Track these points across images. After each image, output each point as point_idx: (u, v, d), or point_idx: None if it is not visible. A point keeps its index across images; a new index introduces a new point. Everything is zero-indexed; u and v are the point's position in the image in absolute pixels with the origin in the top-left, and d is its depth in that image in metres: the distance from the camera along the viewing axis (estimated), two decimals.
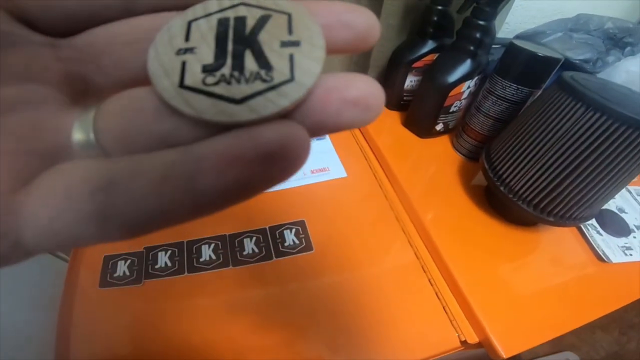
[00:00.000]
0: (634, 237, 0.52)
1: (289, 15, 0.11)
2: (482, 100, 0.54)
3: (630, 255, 0.49)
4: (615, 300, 0.44)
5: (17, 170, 0.10)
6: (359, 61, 0.69)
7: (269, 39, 0.11)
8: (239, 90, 0.10)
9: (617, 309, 0.43)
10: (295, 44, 0.11)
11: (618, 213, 0.55)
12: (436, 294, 0.43)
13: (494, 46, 0.59)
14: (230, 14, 0.11)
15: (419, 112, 0.61)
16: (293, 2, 0.12)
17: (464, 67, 0.53)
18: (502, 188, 0.45)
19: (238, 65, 0.11)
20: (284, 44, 0.11)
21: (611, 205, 0.56)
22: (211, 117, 0.10)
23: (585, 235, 0.51)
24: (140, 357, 0.35)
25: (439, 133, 0.63)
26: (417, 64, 0.60)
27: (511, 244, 0.49)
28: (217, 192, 0.09)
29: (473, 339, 0.40)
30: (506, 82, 0.49)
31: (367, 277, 0.44)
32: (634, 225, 0.54)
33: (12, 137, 0.10)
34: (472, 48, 0.52)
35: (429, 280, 0.44)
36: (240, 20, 0.11)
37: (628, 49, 0.64)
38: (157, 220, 0.09)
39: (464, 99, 0.58)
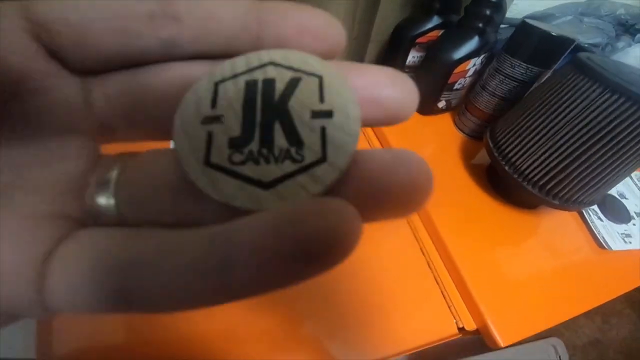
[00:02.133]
0: (634, 225, 0.51)
1: (320, 78, 0.10)
2: (488, 78, 0.52)
3: (630, 243, 0.49)
4: (613, 288, 0.44)
5: (48, 235, 0.10)
6: (359, 36, 0.65)
7: (299, 108, 0.10)
8: (268, 171, 0.09)
9: (614, 297, 0.43)
10: (328, 114, 0.10)
11: (619, 198, 0.54)
12: (435, 278, 0.42)
13: (502, 26, 0.58)
14: (259, 76, 0.10)
15: (422, 89, 0.56)
16: (323, 61, 0.11)
17: (471, 44, 0.51)
18: (507, 168, 0.44)
19: (267, 140, 0.10)
20: (315, 115, 0.10)
21: (612, 190, 0.55)
22: (239, 204, 0.09)
23: (587, 221, 0.50)
24: (128, 344, 0.33)
25: (441, 110, 0.61)
26: (420, 40, 0.58)
27: (511, 226, 0.48)
28: (252, 285, 0.08)
29: (471, 325, 0.39)
30: (515, 61, 0.47)
31: (362, 260, 0.42)
32: (634, 212, 0.53)
33: (45, 197, 0.10)
34: (480, 25, 0.50)
35: (428, 264, 0.43)
36: (269, 84, 0.10)
37: (639, 35, 0.63)
38: (182, 305, 0.08)
39: (469, 76, 0.56)
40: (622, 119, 0.34)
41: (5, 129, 0.10)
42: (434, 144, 0.58)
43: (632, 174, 0.60)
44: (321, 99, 0.10)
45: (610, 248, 0.47)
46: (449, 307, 0.40)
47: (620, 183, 0.56)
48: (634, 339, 1.31)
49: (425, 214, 0.46)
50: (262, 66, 0.11)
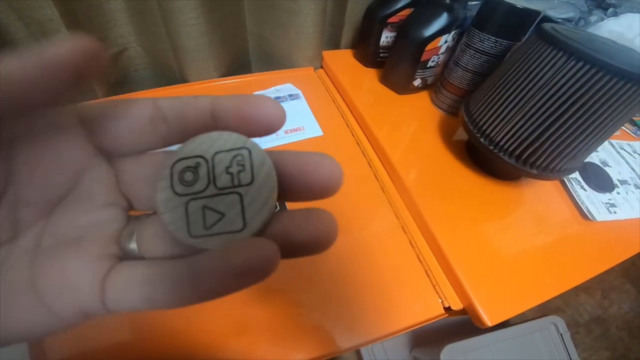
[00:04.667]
0: (618, 193, 0.51)
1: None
2: (460, 54, 0.52)
3: (615, 213, 0.48)
4: (601, 262, 0.43)
5: (104, 266, 0.15)
6: (333, 20, 0.65)
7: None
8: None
9: (602, 272, 0.42)
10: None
11: (602, 166, 0.53)
12: (417, 256, 0.41)
13: (472, 2, 0.58)
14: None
15: (396, 68, 0.59)
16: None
17: (440, 20, 0.51)
18: (482, 140, 0.43)
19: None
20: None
21: (594, 158, 0.55)
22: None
23: (569, 191, 0.49)
24: (121, 348, 0.32)
25: (418, 89, 0.61)
26: (392, 19, 0.58)
27: (494, 200, 0.47)
28: (212, 291, 0.13)
29: (457, 304, 0.38)
30: (484, 35, 0.47)
31: (344, 240, 0.41)
32: (617, 179, 0.53)
33: (101, 245, 0.16)
34: (448, 1, 0.51)
35: (410, 242, 0.42)
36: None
37: (611, 10, 0.64)
38: (180, 304, 0.14)
39: (442, 53, 0.56)
40: (589, 86, 0.34)
41: (77, 204, 0.16)
42: (413, 123, 0.57)
43: (614, 142, 0.59)
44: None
45: (595, 219, 0.46)
46: (433, 287, 0.39)
47: (603, 151, 0.56)
48: (636, 314, 1.31)
49: (406, 191, 0.46)
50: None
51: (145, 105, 0.16)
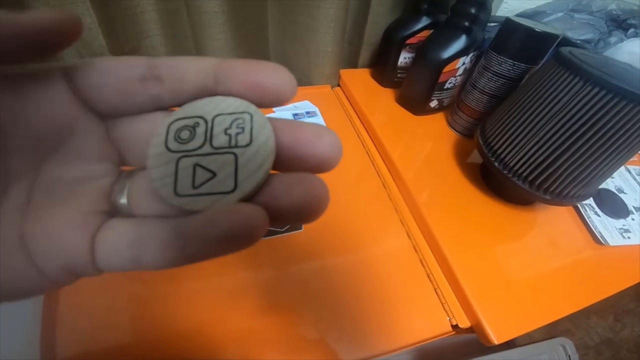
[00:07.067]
0: (633, 219, 0.51)
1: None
2: (477, 76, 0.52)
3: (629, 238, 0.48)
4: (612, 285, 0.43)
5: (94, 223, 0.15)
6: (352, 40, 0.67)
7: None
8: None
9: (613, 294, 0.42)
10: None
11: (617, 193, 0.53)
12: (428, 275, 0.42)
13: (491, 24, 0.58)
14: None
15: (413, 89, 0.60)
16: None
17: (459, 43, 0.52)
18: (496, 164, 0.44)
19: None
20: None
21: (610, 184, 0.55)
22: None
23: (583, 216, 0.49)
24: (131, 348, 0.33)
25: (434, 110, 0.62)
26: (411, 41, 0.59)
27: (507, 224, 0.47)
28: (198, 255, 0.13)
29: (465, 323, 0.38)
30: (502, 58, 0.48)
31: (356, 258, 0.42)
32: (633, 206, 0.52)
33: (91, 201, 0.15)
34: (467, 24, 0.51)
35: (421, 261, 0.43)
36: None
37: (631, 30, 0.63)
38: (165, 265, 0.14)
39: (459, 75, 0.56)
40: (604, 112, 0.34)
41: (67, 159, 0.15)
42: (428, 144, 0.58)
43: (631, 168, 0.59)
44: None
45: (608, 243, 0.46)
46: (442, 305, 0.40)
47: (619, 177, 0.56)
48: None
49: (418, 211, 0.47)
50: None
51: (138, 62, 0.15)
